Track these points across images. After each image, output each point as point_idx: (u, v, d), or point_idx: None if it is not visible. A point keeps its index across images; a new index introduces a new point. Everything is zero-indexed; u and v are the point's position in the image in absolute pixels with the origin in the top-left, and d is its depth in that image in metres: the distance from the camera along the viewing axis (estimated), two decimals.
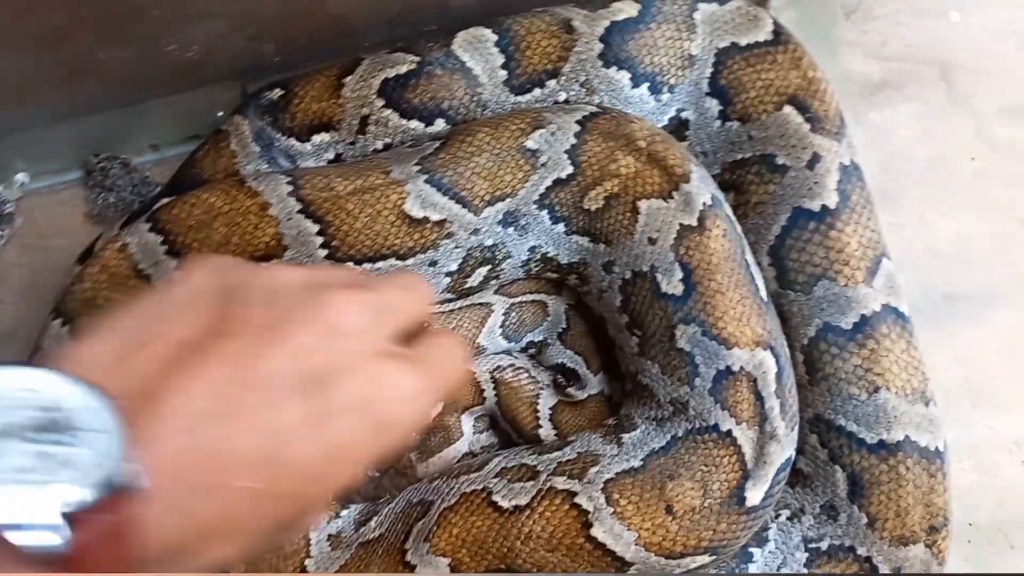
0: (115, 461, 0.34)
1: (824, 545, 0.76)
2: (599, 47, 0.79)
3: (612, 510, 0.71)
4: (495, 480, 0.74)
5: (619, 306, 0.77)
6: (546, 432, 0.83)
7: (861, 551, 0.74)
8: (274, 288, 0.43)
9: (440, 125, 0.79)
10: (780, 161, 0.76)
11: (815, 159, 0.75)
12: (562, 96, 0.81)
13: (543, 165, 0.75)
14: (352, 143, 0.81)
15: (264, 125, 0.81)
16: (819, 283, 0.75)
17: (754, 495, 0.71)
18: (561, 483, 0.73)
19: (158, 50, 0.75)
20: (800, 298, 0.75)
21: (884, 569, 0.73)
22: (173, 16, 0.71)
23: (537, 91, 0.80)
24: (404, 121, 0.79)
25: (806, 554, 0.76)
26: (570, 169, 0.75)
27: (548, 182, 0.75)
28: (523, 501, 0.72)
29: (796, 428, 0.74)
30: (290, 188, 0.74)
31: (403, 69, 0.79)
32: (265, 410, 0.39)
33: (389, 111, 0.79)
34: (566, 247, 0.79)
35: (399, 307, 0.46)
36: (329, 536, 0.77)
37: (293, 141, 0.81)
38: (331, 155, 0.81)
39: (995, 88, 0.89)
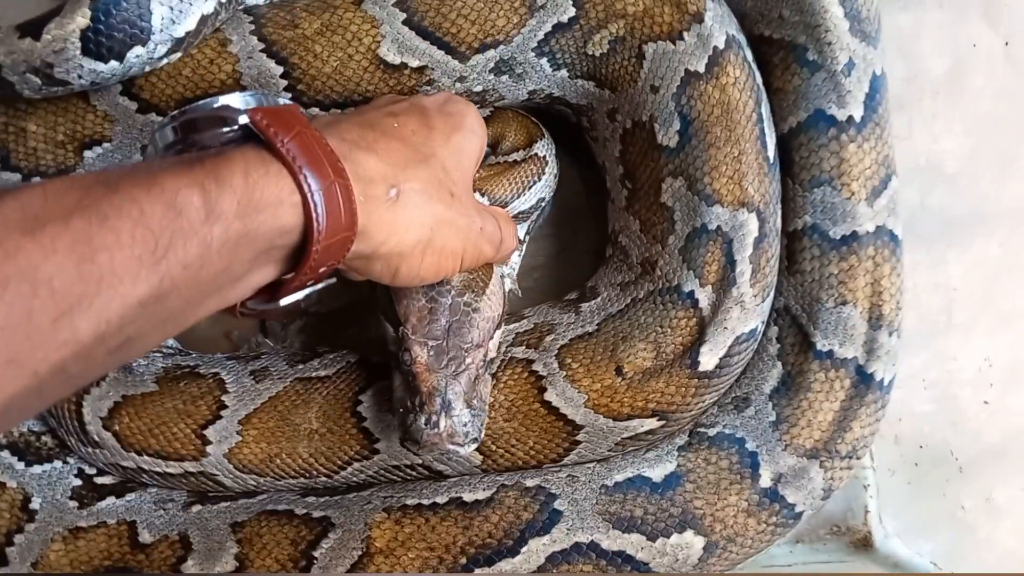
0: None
1: (712, 432, 0.72)
2: None
3: (564, 373, 0.69)
4: None
5: (617, 156, 0.74)
6: None
7: (750, 445, 0.71)
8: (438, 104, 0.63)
9: None
10: (811, 57, 0.69)
11: (850, 65, 0.69)
12: None
13: (541, 7, 0.70)
14: None
15: None
16: (820, 187, 0.71)
17: (708, 360, 0.68)
18: (520, 353, 0.72)
19: None
20: (798, 191, 0.72)
21: (764, 469, 0.70)
22: None
23: None
24: None
25: (687, 437, 0.72)
26: (572, 11, 0.70)
27: (547, 27, 0.71)
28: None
29: (769, 300, 0.71)
30: (252, 27, 0.69)
31: None
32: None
33: None
34: (572, 90, 0.75)
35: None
36: (252, 371, 0.75)
37: None
38: None
39: None
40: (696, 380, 0.69)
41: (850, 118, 0.70)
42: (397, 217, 0.54)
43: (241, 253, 0.46)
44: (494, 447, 0.70)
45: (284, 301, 0.53)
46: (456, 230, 0.58)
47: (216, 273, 0.45)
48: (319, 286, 0.56)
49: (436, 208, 0.56)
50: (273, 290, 0.53)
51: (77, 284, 0.39)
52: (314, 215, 0.47)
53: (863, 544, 0.83)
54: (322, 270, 0.51)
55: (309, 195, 0.47)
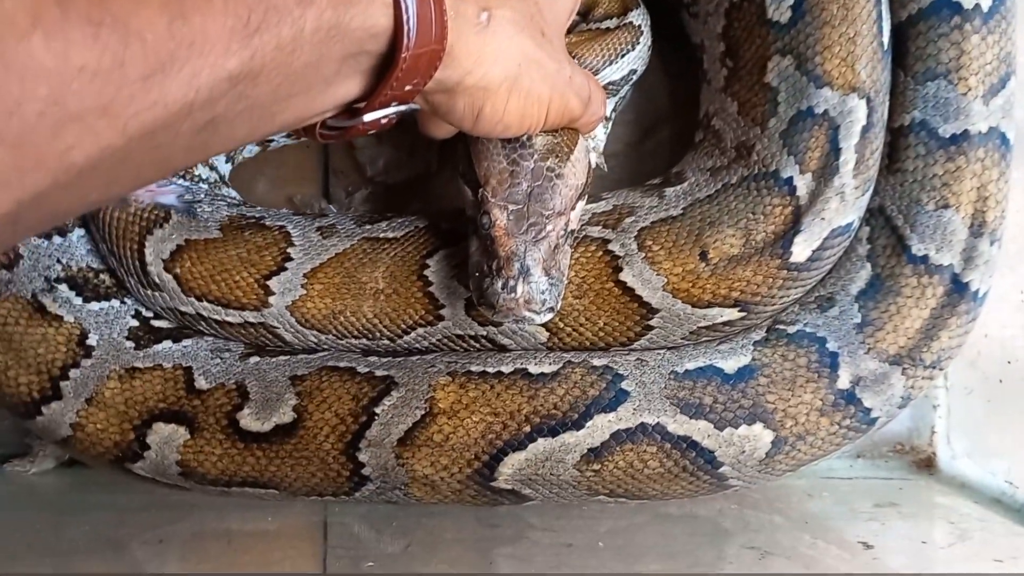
0: None
1: (792, 330, 0.69)
2: None
3: (643, 255, 0.67)
4: None
5: (720, 32, 0.71)
6: None
7: (831, 345, 0.68)
8: None
9: None
10: None
11: None
12: None
13: None
14: None
15: None
16: (934, 81, 0.67)
17: (800, 251, 0.65)
18: (596, 232, 0.69)
19: None
20: (909, 83, 0.69)
21: (843, 371, 0.67)
22: None
23: None
24: None
25: (764, 333, 0.70)
26: None
27: None
28: None
29: (868, 195, 0.68)
30: None
31: None
32: None
33: None
34: None
35: None
36: (319, 228, 0.73)
37: None
38: None
39: None
40: (785, 272, 0.66)
41: (977, 6, 0.66)
42: (486, 44, 0.52)
43: (332, 48, 0.45)
44: (562, 324, 0.68)
45: (368, 117, 0.51)
46: (545, 73, 0.56)
47: (306, 64, 0.44)
48: (403, 108, 0.53)
49: (526, 43, 0.54)
50: (354, 115, 0.51)
51: (169, 42, 0.38)
52: (404, 16, 0.46)
53: (926, 465, 0.82)
54: (407, 88, 0.49)
55: None
